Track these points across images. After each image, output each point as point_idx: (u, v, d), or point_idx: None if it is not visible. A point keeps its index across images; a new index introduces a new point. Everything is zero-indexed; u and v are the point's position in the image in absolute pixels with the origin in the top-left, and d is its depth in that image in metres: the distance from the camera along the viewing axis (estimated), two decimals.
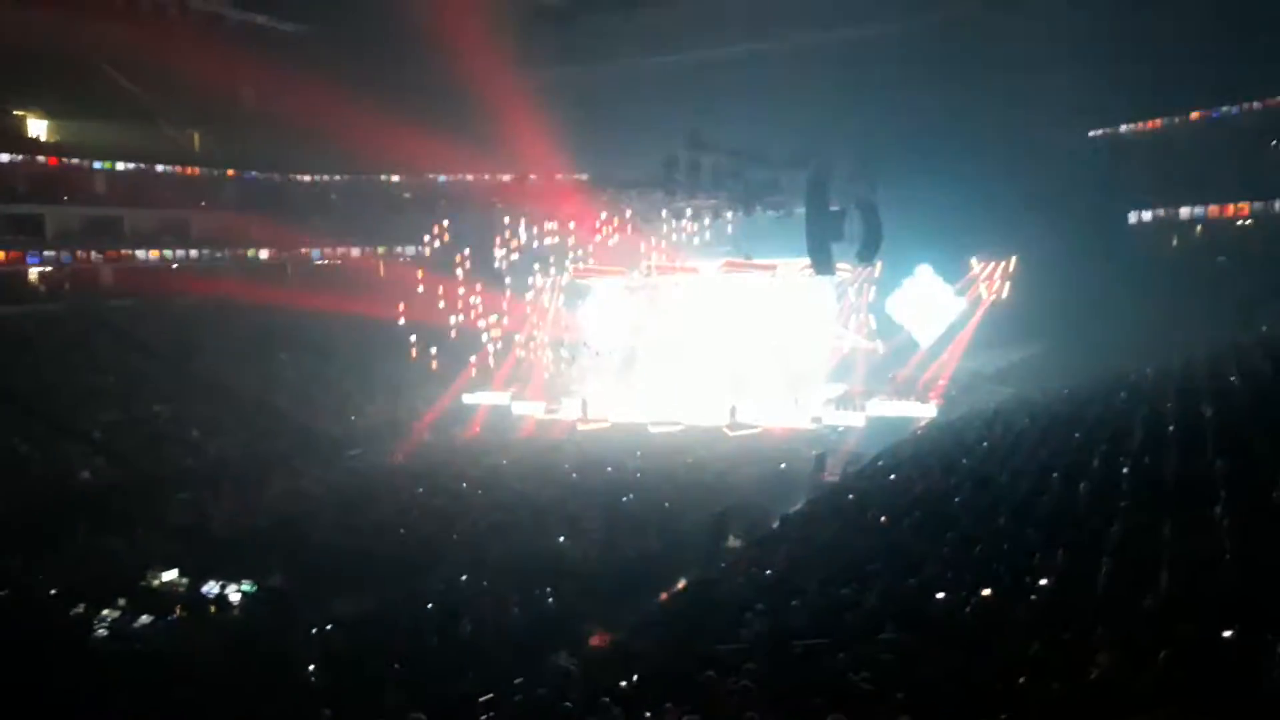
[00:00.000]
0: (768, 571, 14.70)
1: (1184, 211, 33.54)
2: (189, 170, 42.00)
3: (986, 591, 9.65)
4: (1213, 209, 32.79)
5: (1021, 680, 6.98)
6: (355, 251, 45.80)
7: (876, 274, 34.06)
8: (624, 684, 9.93)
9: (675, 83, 40.05)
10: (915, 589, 10.55)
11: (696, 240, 36.96)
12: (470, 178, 46.75)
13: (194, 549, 19.97)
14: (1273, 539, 8.18)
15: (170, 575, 18.29)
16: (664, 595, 17.21)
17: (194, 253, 41.03)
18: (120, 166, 39.37)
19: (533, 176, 43.55)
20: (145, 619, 15.63)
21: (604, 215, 37.55)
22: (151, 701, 12.32)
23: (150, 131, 40.55)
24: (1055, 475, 13.60)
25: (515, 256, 38.89)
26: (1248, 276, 29.02)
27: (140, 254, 39.18)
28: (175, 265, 40.38)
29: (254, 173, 44.51)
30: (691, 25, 40.54)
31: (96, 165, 38.79)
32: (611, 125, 39.58)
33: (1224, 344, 20.13)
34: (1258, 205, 31.64)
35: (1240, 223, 32.13)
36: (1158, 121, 35.13)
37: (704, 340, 37.12)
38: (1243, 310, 25.64)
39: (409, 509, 23.47)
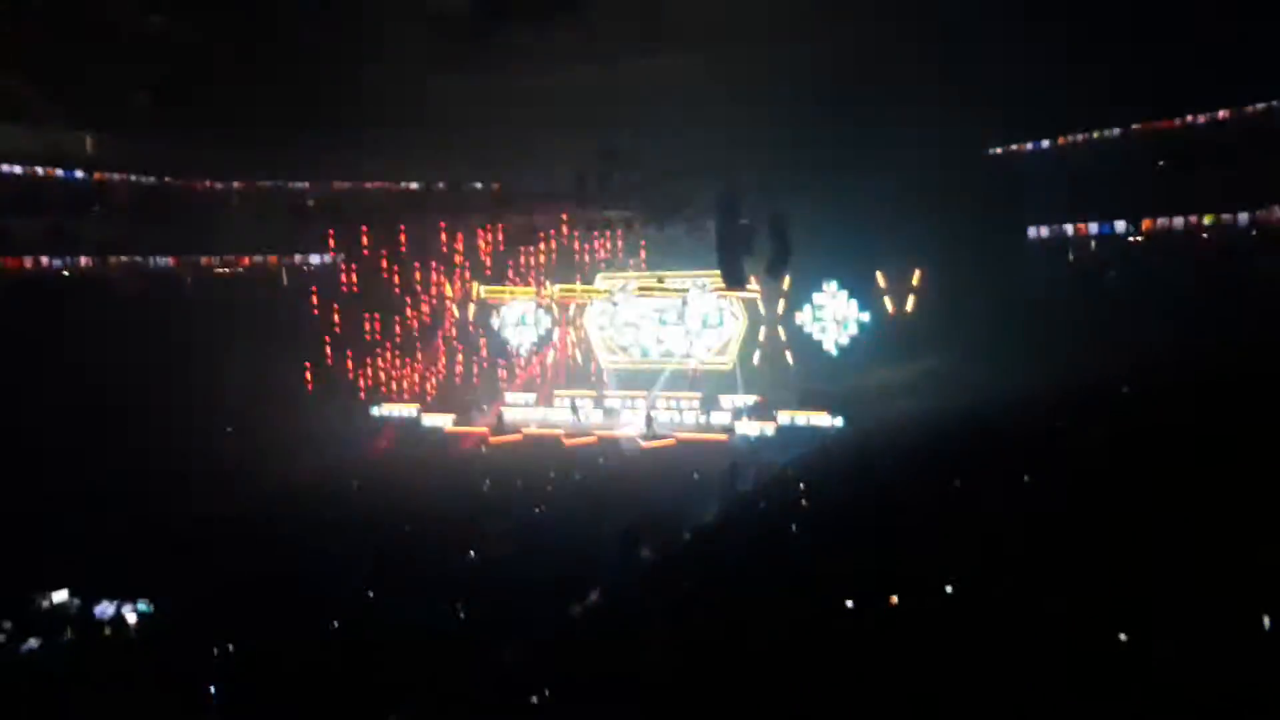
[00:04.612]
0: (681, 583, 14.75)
1: (1081, 228, 34.77)
2: (80, 174, 40.25)
3: (894, 599, 9.86)
4: (1106, 226, 34.08)
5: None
6: (256, 259, 44.44)
7: (785, 288, 34.59)
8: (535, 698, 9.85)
9: (587, 96, 40.01)
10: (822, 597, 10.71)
11: (607, 254, 37.15)
12: (378, 186, 45.90)
13: (86, 569, 19.10)
14: (1162, 549, 8.54)
15: (60, 596, 17.51)
16: (576, 607, 17.09)
17: (84, 260, 39.24)
18: (5, 169, 37.55)
19: (441, 185, 42.97)
20: (33, 642, 15.02)
21: (514, 227, 37.53)
22: None
23: (39, 134, 38.81)
24: (958, 484, 13.98)
25: (424, 266, 38.66)
26: (1136, 291, 30.32)
27: (27, 262, 37.31)
28: (65, 274, 38.61)
29: (149, 177, 42.86)
30: (603, 40, 40.55)
31: None
32: (523, 137, 39.36)
33: (1115, 355, 20.99)
34: (1148, 224, 33.00)
35: (1130, 239, 33.46)
36: (1056, 140, 36.39)
37: (616, 353, 37.27)
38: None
39: (311, 526, 22.85)
